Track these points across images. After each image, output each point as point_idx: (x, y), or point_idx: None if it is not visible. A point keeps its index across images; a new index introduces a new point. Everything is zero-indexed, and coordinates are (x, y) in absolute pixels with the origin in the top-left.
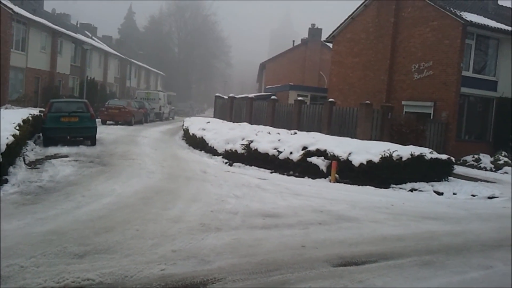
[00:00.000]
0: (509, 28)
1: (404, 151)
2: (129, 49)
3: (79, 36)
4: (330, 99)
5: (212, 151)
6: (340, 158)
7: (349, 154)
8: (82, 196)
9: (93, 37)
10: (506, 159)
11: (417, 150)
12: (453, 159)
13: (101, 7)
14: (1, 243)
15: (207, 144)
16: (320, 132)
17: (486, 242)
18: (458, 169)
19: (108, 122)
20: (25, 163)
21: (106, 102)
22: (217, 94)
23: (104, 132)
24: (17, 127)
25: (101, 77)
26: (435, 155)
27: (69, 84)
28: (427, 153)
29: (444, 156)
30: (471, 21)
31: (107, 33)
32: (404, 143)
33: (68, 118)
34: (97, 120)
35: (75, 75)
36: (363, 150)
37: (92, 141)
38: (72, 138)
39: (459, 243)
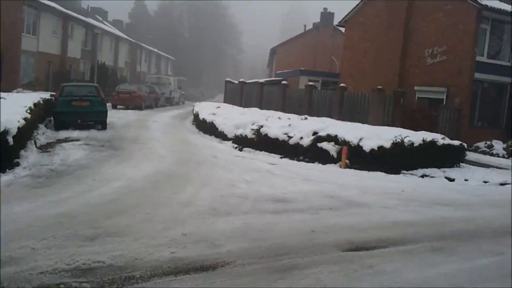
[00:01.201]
0: None
1: (416, 137)
2: (139, 34)
3: (90, 20)
4: (342, 84)
5: (222, 136)
6: (351, 143)
7: (360, 139)
8: (93, 180)
9: (104, 21)
10: None
11: (429, 136)
12: (465, 145)
13: None
14: (13, 225)
15: (217, 129)
16: (331, 117)
17: (498, 229)
18: (470, 156)
19: (118, 106)
20: (36, 146)
21: (116, 87)
22: (227, 79)
23: (115, 116)
24: (28, 111)
25: (111, 61)
26: (447, 141)
27: (80, 68)
28: (439, 139)
29: (456, 142)
30: (486, 5)
31: (117, 18)
32: (416, 129)
33: (79, 102)
34: (107, 104)
35: (86, 59)
36: (374, 136)
37: (103, 125)
38: (83, 122)
39: (470, 229)
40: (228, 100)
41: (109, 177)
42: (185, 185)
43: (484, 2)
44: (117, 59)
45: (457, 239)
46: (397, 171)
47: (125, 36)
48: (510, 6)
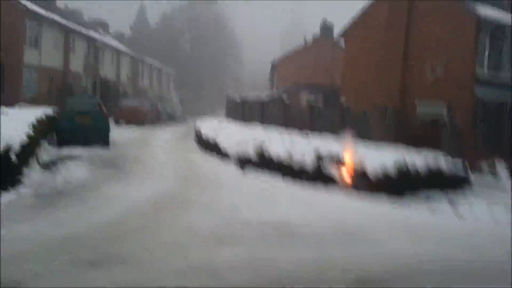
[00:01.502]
0: None
1: (420, 162)
2: (141, 46)
3: (91, 34)
4: (342, 100)
5: (224, 155)
6: (354, 165)
7: (363, 160)
8: (95, 200)
9: (106, 35)
10: None
11: (433, 160)
12: (472, 177)
13: (113, 3)
14: (16, 247)
15: (219, 147)
16: (333, 136)
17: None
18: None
19: (120, 121)
20: (39, 163)
21: (118, 102)
22: (228, 95)
23: (117, 132)
24: (31, 127)
25: (113, 75)
26: (453, 170)
27: (82, 82)
28: (444, 165)
29: (461, 172)
30: (486, 17)
31: (119, 30)
32: (418, 147)
33: (82, 118)
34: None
35: (88, 73)
36: (377, 157)
37: (106, 143)
38: (86, 140)
39: (478, 267)
40: (230, 116)
41: (111, 198)
42: (187, 208)
43: (484, 13)
44: (119, 73)
45: (464, 276)
46: (401, 194)
47: (126, 49)
48: (510, 16)
